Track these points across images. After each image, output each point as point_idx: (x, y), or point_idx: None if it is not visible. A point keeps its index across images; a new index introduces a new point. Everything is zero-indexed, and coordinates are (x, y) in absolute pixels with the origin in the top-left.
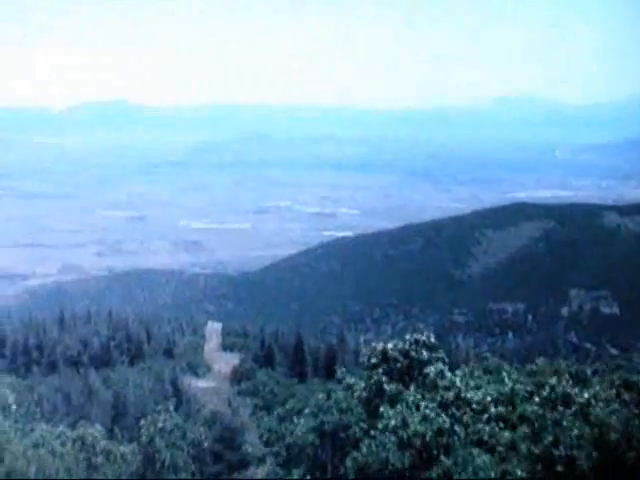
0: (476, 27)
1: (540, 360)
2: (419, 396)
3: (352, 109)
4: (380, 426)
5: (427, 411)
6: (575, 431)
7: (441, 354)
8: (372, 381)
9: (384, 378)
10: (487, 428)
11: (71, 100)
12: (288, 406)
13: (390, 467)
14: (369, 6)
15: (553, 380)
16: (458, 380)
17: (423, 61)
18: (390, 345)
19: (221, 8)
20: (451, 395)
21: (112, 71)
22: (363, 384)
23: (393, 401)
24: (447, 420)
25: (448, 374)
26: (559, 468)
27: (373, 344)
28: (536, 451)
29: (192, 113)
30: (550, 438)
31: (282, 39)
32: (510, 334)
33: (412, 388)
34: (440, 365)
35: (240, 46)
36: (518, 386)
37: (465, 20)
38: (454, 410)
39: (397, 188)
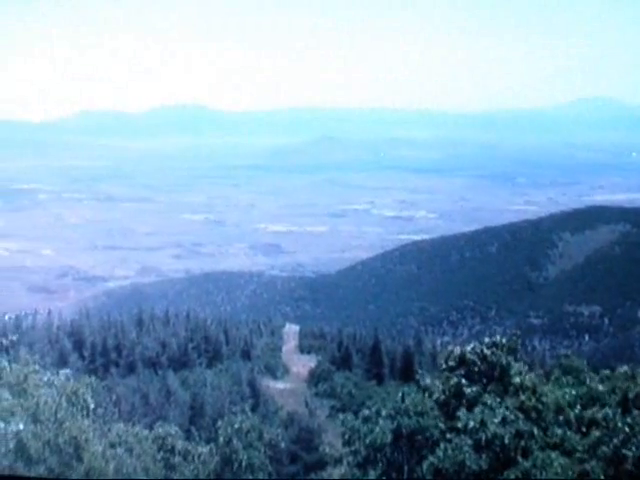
0: (552, 28)
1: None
2: (498, 399)
3: (427, 111)
4: (459, 425)
5: (507, 413)
6: None
7: (520, 358)
8: (450, 383)
9: (463, 381)
10: (564, 431)
11: (150, 103)
12: (374, 408)
13: (467, 470)
14: (439, 8)
15: (630, 385)
16: (537, 382)
17: (499, 63)
18: (468, 348)
19: (299, 13)
20: (530, 398)
21: (191, 76)
22: (441, 386)
23: (471, 404)
24: (527, 423)
25: (528, 377)
26: (629, 467)
27: (450, 347)
28: (607, 451)
29: (270, 117)
30: (621, 437)
31: (357, 43)
32: (586, 337)
33: (490, 389)
34: (520, 367)
35: (316, 50)
36: (595, 389)
37: (540, 21)
38: (533, 413)
39: (474, 191)
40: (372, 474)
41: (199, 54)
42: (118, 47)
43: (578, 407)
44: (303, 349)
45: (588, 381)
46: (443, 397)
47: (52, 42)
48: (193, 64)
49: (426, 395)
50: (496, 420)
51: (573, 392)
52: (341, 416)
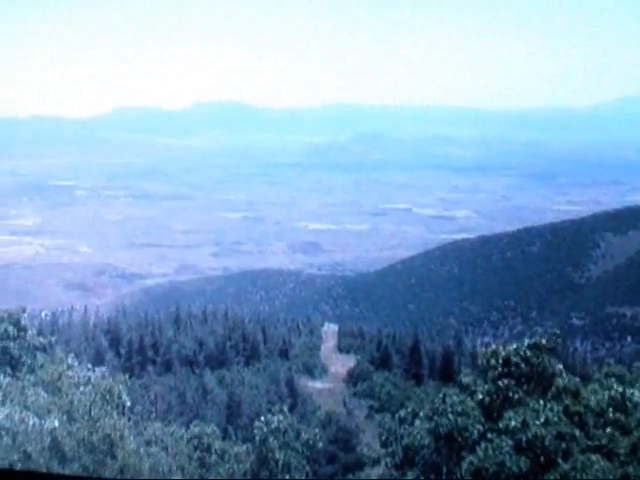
0: (597, 26)
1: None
2: (541, 401)
3: (468, 109)
4: (501, 425)
5: (550, 414)
6: None
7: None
8: (498, 385)
9: (507, 381)
10: (605, 433)
11: (188, 100)
12: (409, 408)
13: (507, 470)
14: (490, 3)
15: None
16: (579, 384)
17: (543, 59)
18: (511, 349)
19: (339, 9)
20: (575, 403)
21: (230, 73)
22: (487, 386)
23: (514, 406)
24: (569, 425)
25: (570, 379)
26: None
27: (493, 346)
28: None
29: (309, 114)
30: None
31: (398, 40)
32: (628, 339)
33: (532, 391)
34: (561, 369)
35: (355, 47)
36: (632, 392)
37: (586, 17)
38: (575, 416)
39: (515, 190)
40: (410, 475)
41: (237, 50)
42: (156, 43)
43: (619, 409)
44: (342, 348)
45: (615, 386)
46: (488, 399)
47: (91, 38)
48: (231, 60)
49: (468, 396)
50: (538, 422)
51: (610, 394)
52: (377, 417)
